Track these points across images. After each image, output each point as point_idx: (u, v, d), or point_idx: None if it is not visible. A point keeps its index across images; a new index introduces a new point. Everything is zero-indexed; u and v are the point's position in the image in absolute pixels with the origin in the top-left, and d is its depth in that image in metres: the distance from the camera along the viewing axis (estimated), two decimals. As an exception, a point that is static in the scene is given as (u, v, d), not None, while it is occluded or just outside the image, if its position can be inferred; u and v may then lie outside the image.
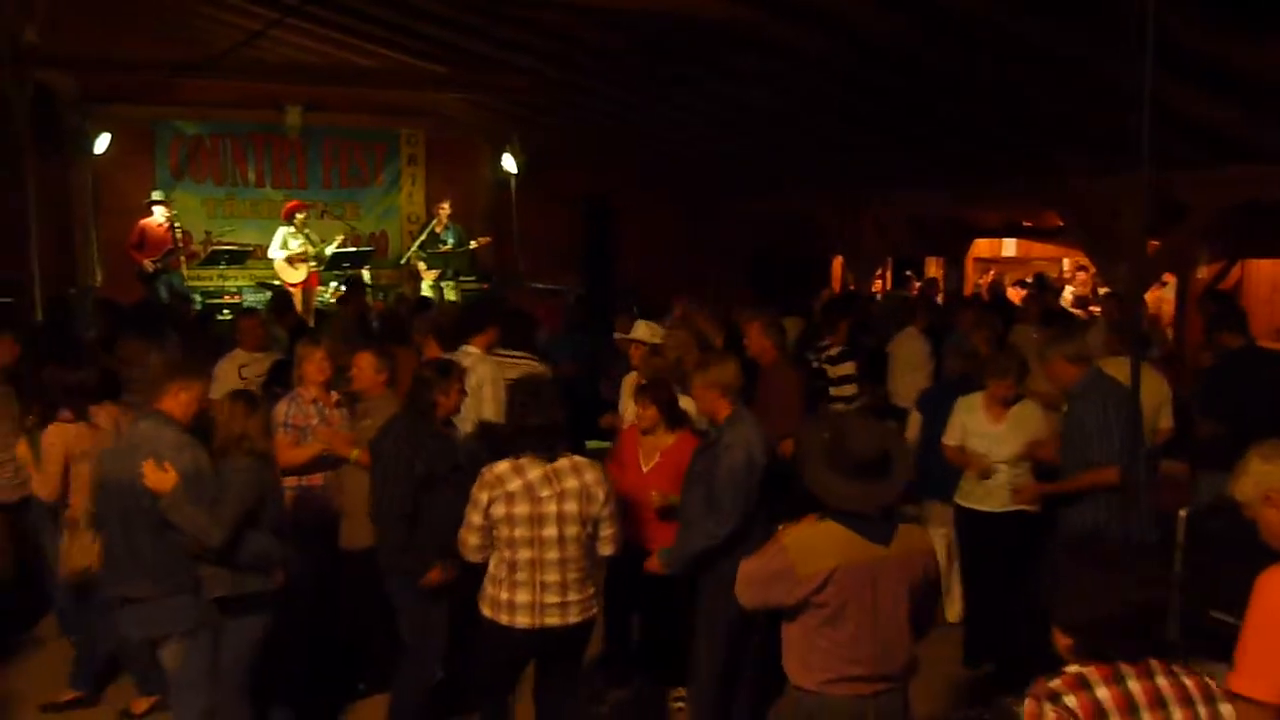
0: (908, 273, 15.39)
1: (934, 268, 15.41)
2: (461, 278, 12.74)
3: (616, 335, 6.06)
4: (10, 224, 9.36)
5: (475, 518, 3.85)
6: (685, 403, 4.98)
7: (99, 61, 10.79)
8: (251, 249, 12.47)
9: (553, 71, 9.84)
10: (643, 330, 5.96)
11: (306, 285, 11.88)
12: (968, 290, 13.64)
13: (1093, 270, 12.52)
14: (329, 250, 12.26)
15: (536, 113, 12.01)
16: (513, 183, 13.04)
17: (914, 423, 6.32)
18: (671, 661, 4.96)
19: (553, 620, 3.83)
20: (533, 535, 3.80)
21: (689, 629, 4.50)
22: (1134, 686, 2.19)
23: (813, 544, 2.97)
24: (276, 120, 12.77)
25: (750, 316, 6.41)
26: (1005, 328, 7.74)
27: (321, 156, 13.55)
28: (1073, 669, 2.22)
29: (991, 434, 5.28)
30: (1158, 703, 2.19)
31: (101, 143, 11.80)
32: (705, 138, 11.24)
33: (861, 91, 8.18)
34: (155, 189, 12.14)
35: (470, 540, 3.88)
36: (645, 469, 4.86)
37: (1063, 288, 14.24)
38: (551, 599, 3.83)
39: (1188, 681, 2.23)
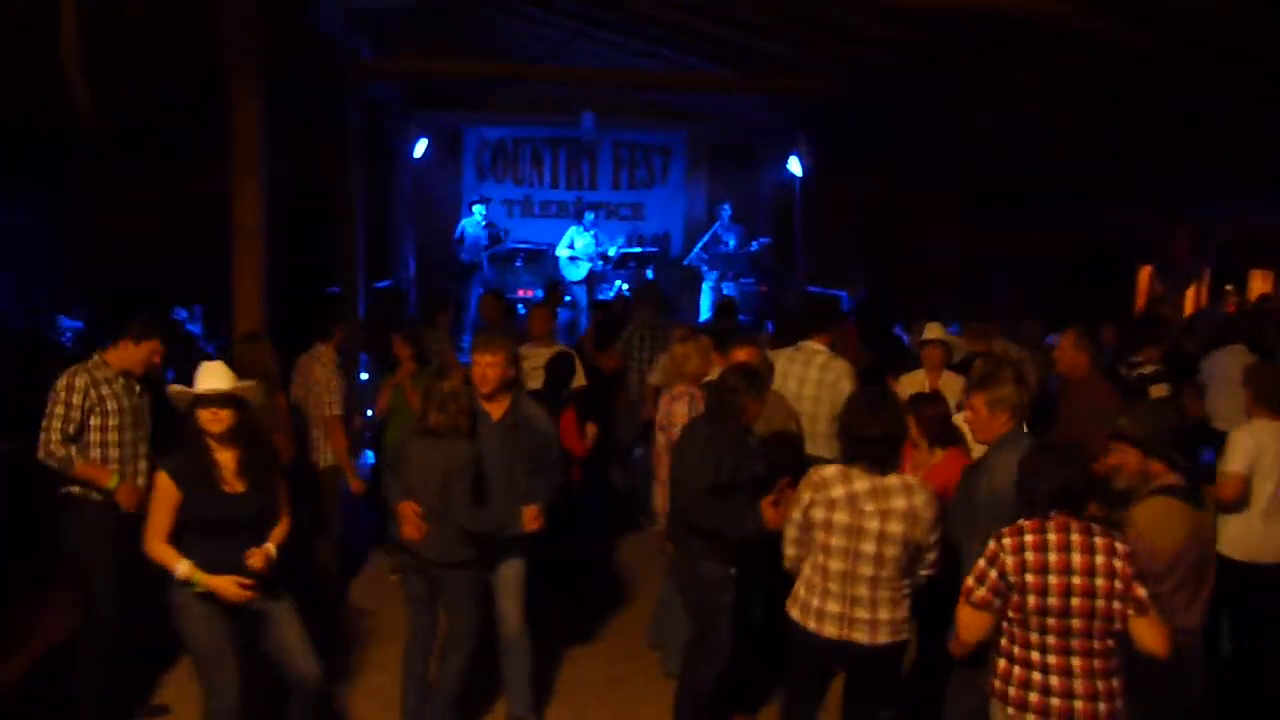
0: (1228, 286, 13.97)
1: (1260, 281, 13.90)
2: (742, 280, 12.84)
3: (911, 339, 5.90)
4: (340, 222, 10.33)
5: (795, 514, 3.84)
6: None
7: (421, 73, 11.64)
8: (546, 248, 13.13)
9: (846, 72, 9.69)
10: (936, 330, 5.78)
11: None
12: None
13: None
14: (614, 250, 12.78)
15: (825, 115, 11.87)
16: (797, 185, 12.97)
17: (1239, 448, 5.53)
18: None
19: (860, 636, 3.72)
20: (849, 547, 3.70)
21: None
22: None
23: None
24: (571, 125, 13.33)
25: (1047, 326, 6.05)
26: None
27: (611, 159, 14.08)
28: None
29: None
30: None
31: (420, 147, 12.78)
32: (1005, 142, 10.68)
33: (1189, 90, 7.48)
34: (463, 190, 13.09)
35: (788, 533, 3.89)
36: None
37: None
38: (862, 614, 3.72)
39: None
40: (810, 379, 5.56)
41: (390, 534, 5.17)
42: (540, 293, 12.10)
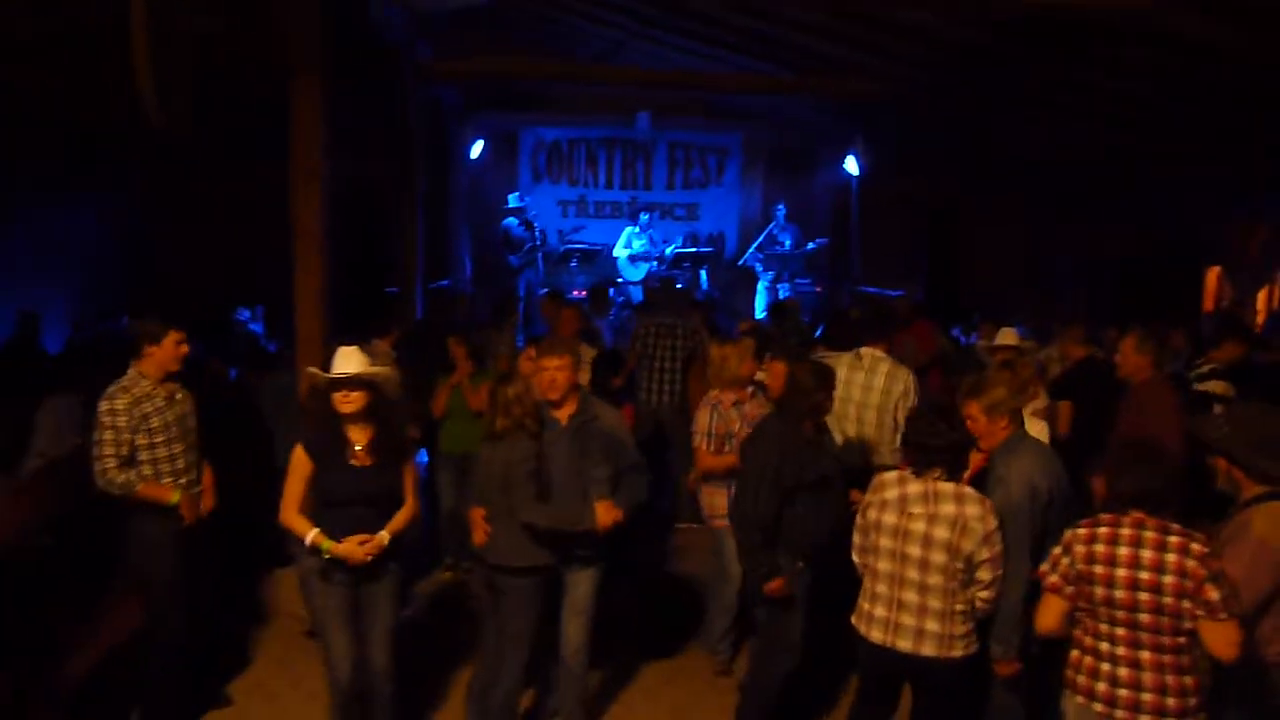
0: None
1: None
2: (797, 280, 12.75)
3: (980, 343, 5.81)
4: (399, 223, 10.43)
5: (859, 518, 3.89)
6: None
7: (480, 74, 11.69)
8: (600, 248, 13.14)
9: (904, 72, 9.58)
10: (1010, 336, 5.69)
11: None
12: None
13: None
14: (670, 251, 12.76)
15: (883, 115, 11.74)
16: (853, 185, 12.84)
17: None
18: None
19: (905, 644, 3.69)
20: (895, 548, 3.71)
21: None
22: None
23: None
24: (627, 125, 13.31)
25: (1121, 331, 5.89)
26: None
27: (666, 159, 14.04)
28: None
29: None
30: None
31: (477, 149, 12.85)
32: (1068, 141, 10.48)
33: (1257, 84, 7.27)
34: (517, 191, 13.15)
35: (855, 539, 3.93)
36: None
37: None
38: (907, 620, 3.69)
39: None
40: (876, 388, 5.46)
41: (456, 543, 5.50)
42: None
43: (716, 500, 5.28)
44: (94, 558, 5.07)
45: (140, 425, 4.38)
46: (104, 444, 4.33)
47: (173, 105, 5.29)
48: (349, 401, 4.00)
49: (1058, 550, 3.31)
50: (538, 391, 4.45)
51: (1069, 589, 3.27)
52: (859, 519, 3.88)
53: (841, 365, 5.41)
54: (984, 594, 3.68)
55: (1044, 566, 3.36)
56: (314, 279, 6.68)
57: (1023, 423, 4.13)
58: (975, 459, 4.07)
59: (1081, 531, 3.26)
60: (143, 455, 4.42)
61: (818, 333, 8.41)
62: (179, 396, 4.60)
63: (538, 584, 4.33)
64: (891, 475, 3.83)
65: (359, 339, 6.11)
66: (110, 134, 7.59)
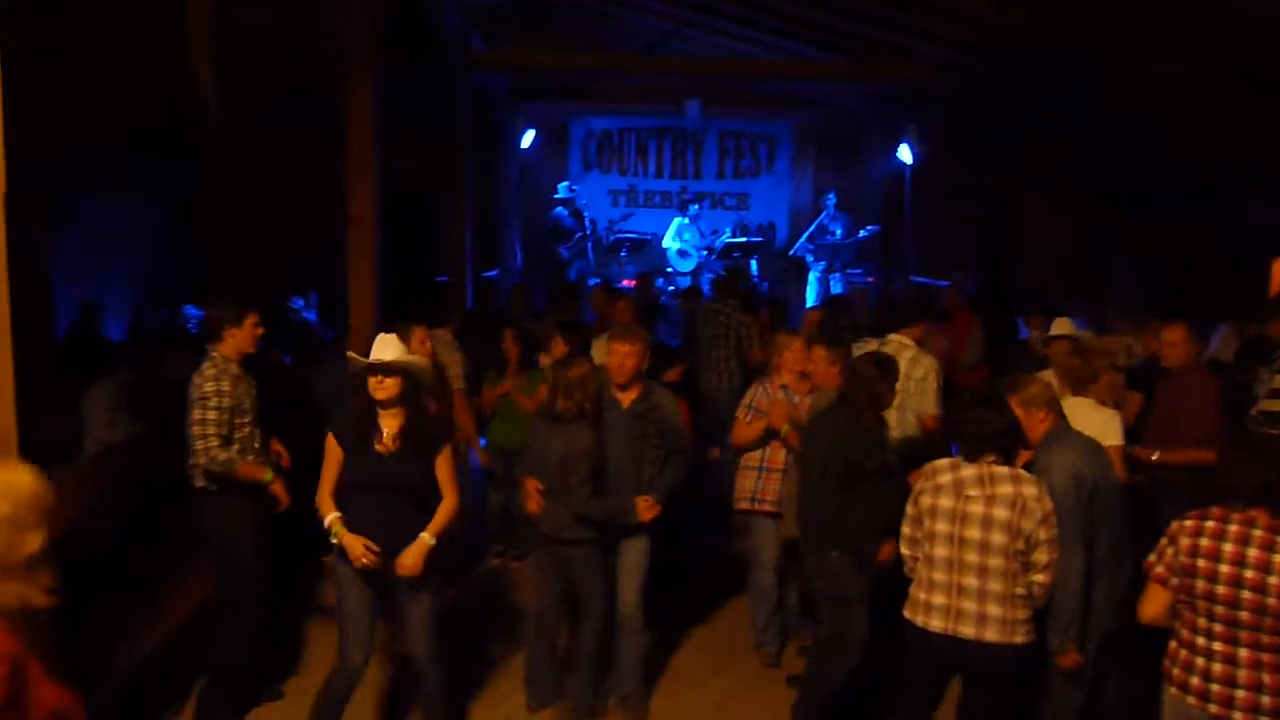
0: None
1: None
2: (849, 270, 12.63)
3: (1034, 334, 5.74)
4: (450, 213, 10.50)
5: (909, 507, 3.86)
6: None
7: (530, 65, 11.73)
8: (650, 238, 13.12)
9: (957, 59, 9.42)
10: (1065, 326, 5.62)
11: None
12: None
13: None
14: (720, 241, 12.71)
15: (937, 103, 11.57)
16: (907, 174, 12.68)
17: None
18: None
19: (967, 630, 3.64)
20: (953, 532, 3.68)
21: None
22: None
23: None
24: (676, 114, 13.25)
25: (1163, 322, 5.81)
26: None
27: (716, 148, 13.97)
28: None
29: None
30: None
31: (527, 138, 12.88)
32: (1128, 132, 10.24)
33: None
34: (567, 181, 13.17)
35: (904, 530, 3.90)
36: None
37: None
38: (969, 605, 3.65)
39: None
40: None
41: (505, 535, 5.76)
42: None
43: (745, 483, 5.36)
44: (155, 541, 5.18)
45: (235, 405, 4.51)
46: (208, 423, 4.41)
47: (228, 97, 5.37)
48: (383, 388, 4.02)
49: (1164, 541, 3.30)
50: (606, 373, 4.67)
51: (1174, 580, 3.24)
52: (910, 509, 3.85)
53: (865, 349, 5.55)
54: (1039, 577, 3.65)
55: (1151, 557, 3.34)
56: (367, 268, 6.76)
57: (1062, 414, 4.09)
58: (1022, 456, 4.03)
59: (1189, 524, 3.23)
60: (235, 434, 4.53)
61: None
62: (250, 380, 4.70)
63: (594, 546, 4.59)
64: (944, 462, 3.81)
65: (424, 326, 6.24)
66: (168, 125, 7.72)
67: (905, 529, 3.89)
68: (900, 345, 5.59)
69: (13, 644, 2.14)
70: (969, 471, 3.70)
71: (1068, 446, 3.94)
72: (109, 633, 4.58)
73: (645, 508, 4.59)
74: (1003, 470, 3.69)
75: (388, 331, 4.21)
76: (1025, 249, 11.20)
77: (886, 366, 4.48)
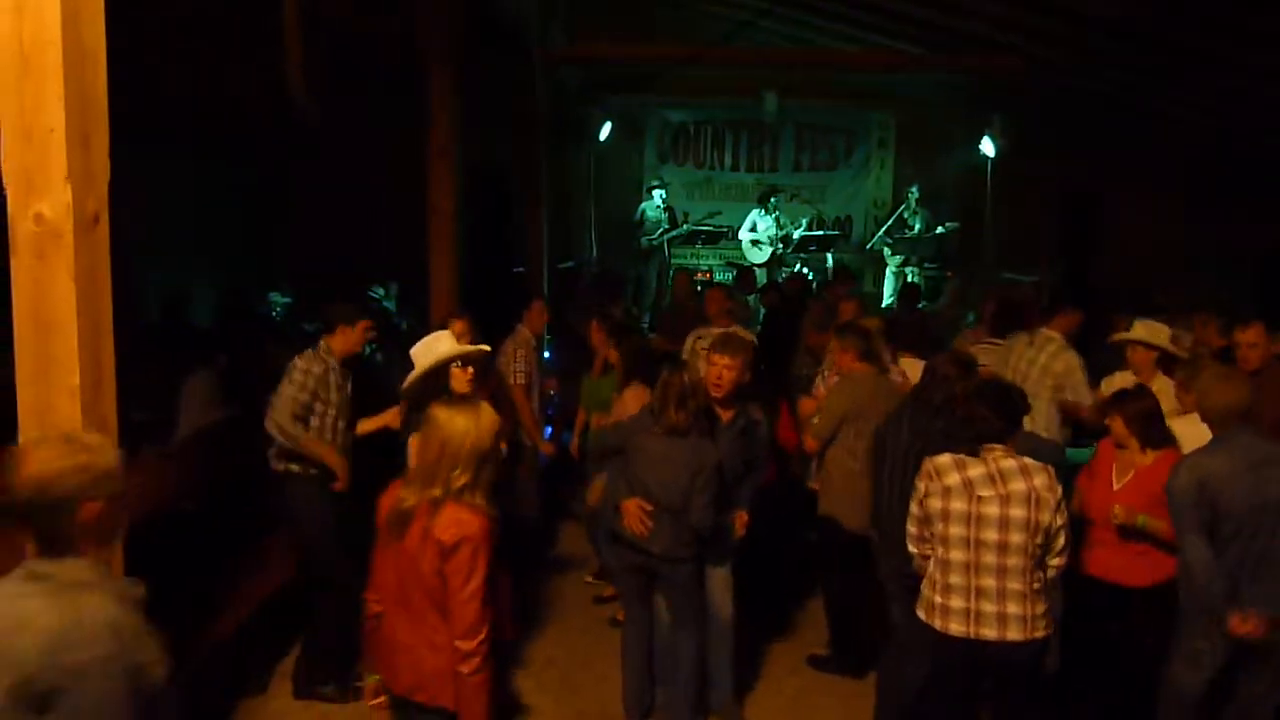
0: None
1: None
2: (926, 264, 12.44)
3: (1116, 335, 5.51)
4: (527, 204, 10.58)
5: (914, 507, 3.76)
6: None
7: (607, 58, 11.73)
8: (725, 230, 13.06)
9: (1041, 49, 9.19)
10: (1142, 331, 5.37)
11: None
12: None
13: None
14: (796, 234, 12.61)
15: (1020, 94, 11.30)
16: (988, 168, 12.41)
17: None
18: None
19: (989, 632, 3.56)
20: (969, 535, 3.58)
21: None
22: None
23: None
24: (753, 106, 13.12)
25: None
26: None
27: (793, 141, 13.84)
28: None
29: None
30: None
31: (604, 131, 12.90)
32: (1223, 126, 9.89)
33: None
34: (644, 174, 13.18)
35: (910, 530, 3.82)
36: (1116, 486, 4.30)
37: None
38: (988, 607, 3.57)
39: None
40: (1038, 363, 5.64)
41: (602, 529, 5.15)
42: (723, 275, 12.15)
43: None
44: (242, 519, 5.34)
45: (321, 393, 4.73)
46: (286, 396, 4.65)
47: (314, 87, 5.49)
48: (466, 377, 4.07)
49: None
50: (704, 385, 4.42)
51: None
52: (916, 510, 3.75)
53: (1018, 343, 5.83)
54: (1056, 561, 3.65)
55: None
56: (447, 257, 6.85)
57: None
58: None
59: None
60: (315, 422, 4.74)
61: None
62: (349, 379, 4.92)
63: (698, 563, 4.44)
64: (945, 460, 3.69)
65: (492, 318, 6.30)
66: (255, 115, 7.91)
67: (911, 529, 3.80)
68: (1046, 339, 5.68)
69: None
70: (977, 470, 3.62)
71: (1228, 449, 3.82)
72: (199, 605, 4.73)
73: (741, 524, 4.54)
74: (1010, 464, 3.61)
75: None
76: (1108, 244, 10.88)
77: (966, 366, 4.39)
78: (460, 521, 2.91)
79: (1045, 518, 3.53)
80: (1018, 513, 3.53)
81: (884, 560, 4.49)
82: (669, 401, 4.19)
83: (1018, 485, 3.55)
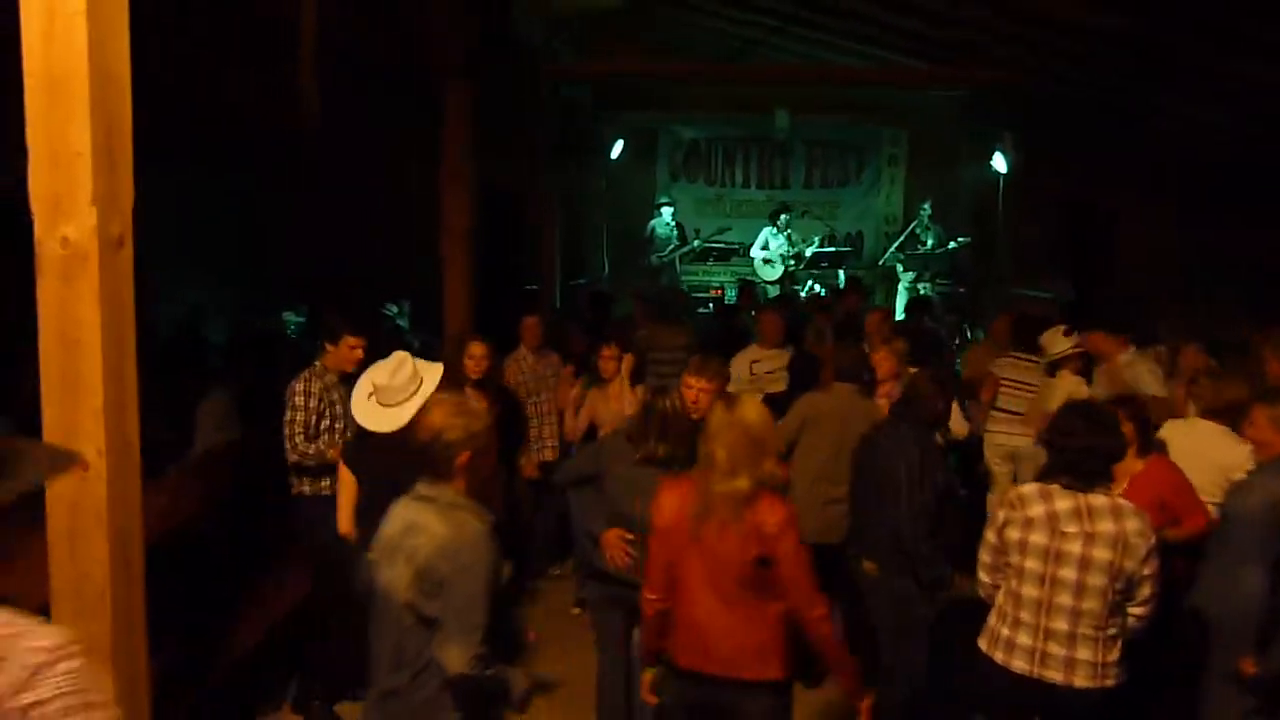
0: None
1: None
2: (939, 280, 12.44)
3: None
4: (538, 221, 10.64)
5: (990, 535, 3.58)
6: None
7: (616, 75, 11.80)
8: (737, 247, 13.09)
9: (1053, 64, 9.21)
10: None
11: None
12: None
13: None
14: (808, 250, 12.63)
15: (1032, 110, 11.32)
16: (1000, 184, 12.43)
17: None
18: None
19: (1053, 675, 3.36)
20: (1045, 572, 3.37)
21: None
22: None
23: None
24: (764, 123, 13.19)
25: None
26: None
27: (804, 157, 13.88)
28: None
29: None
30: None
31: (617, 148, 12.97)
32: (1232, 138, 9.87)
33: None
34: (656, 191, 13.22)
35: (983, 558, 3.62)
36: (1116, 493, 4.32)
37: None
38: (1056, 649, 3.36)
39: None
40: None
41: (584, 562, 4.99)
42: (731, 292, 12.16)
43: None
44: (255, 539, 5.36)
45: (328, 410, 4.84)
46: (293, 423, 4.80)
47: (327, 103, 5.54)
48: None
49: None
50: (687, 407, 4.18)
51: None
52: (992, 538, 3.55)
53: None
54: (1139, 610, 3.39)
55: None
56: (461, 276, 6.88)
57: None
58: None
59: None
60: (325, 439, 4.84)
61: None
62: (343, 390, 4.91)
63: None
64: (1031, 490, 3.47)
65: (502, 336, 6.31)
66: (270, 133, 7.98)
67: (985, 557, 3.61)
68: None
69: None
70: (1064, 504, 3.37)
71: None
72: (216, 621, 4.76)
73: None
74: (1102, 502, 3.35)
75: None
76: (1120, 260, 10.84)
77: (943, 385, 4.40)
78: (775, 507, 3.17)
79: (1131, 565, 3.29)
80: (1102, 555, 3.29)
81: (882, 584, 4.40)
82: (650, 431, 4.01)
83: (1106, 526, 3.30)
